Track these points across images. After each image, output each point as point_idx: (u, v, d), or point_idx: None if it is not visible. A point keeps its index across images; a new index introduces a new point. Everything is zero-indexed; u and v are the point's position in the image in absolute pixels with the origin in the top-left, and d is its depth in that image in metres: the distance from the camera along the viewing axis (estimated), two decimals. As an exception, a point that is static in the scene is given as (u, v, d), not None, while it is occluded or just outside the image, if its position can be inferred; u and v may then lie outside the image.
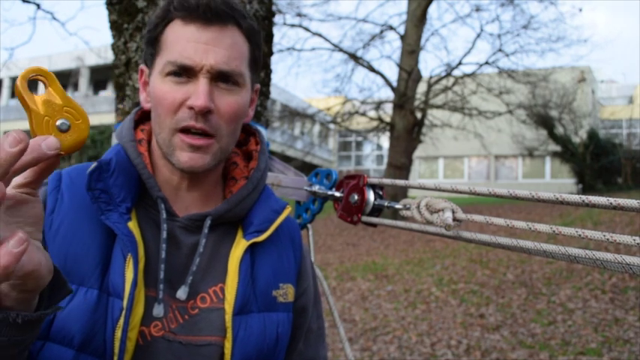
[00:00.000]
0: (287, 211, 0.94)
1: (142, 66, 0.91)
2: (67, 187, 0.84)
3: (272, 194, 0.96)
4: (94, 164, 0.84)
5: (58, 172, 0.88)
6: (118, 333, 0.75)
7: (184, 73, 0.81)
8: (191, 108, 0.80)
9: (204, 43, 0.81)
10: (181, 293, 0.81)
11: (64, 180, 0.86)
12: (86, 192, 0.81)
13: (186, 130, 0.81)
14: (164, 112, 0.82)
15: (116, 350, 0.75)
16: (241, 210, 0.90)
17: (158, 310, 0.79)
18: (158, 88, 0.83)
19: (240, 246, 0.87)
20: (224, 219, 0.89)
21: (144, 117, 0.94)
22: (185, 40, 0.81)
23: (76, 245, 0.80)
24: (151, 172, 0.87)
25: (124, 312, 0.76)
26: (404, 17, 13.67)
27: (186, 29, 0.82)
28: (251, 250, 0.88)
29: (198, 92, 0.80)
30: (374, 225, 1.34)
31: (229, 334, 0.81)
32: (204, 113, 0.80)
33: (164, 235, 0.82)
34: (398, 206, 1.23)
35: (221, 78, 0.82)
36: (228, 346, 0.81)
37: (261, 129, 1.71)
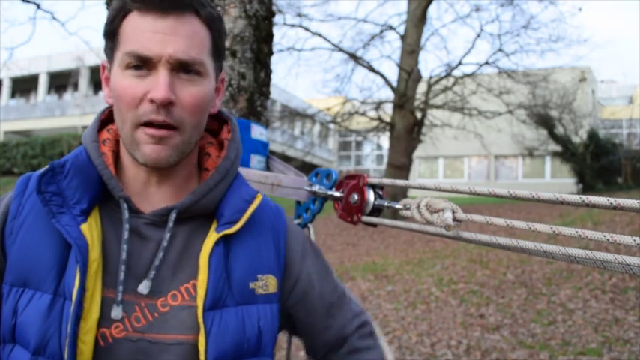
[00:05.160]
0: (258, 199, 0.91)
1: (104, 61, 0.88)
2: (31, 191, 0.84)
3: (244, 183, 0.94)
4: (46, 167, 0.82)
5: (28, 175, 0.87)
6: (67, 339, 0.75)
7: (144, 65, 0.79)
8: (152, 101, 0.78)
9: (161, 32, 0.79)
10: (142, 287, 0.79)
11: (31, 184, 0.85)
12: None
13: (148, 124, 0.79)
14: (125, 107, 0.80)
15: (66, 356, 0.74)
16: (210, 202, 0.87)
17: (116, 312, 0.78)
18: (119, 83, 0.81)
19: (210, 239, 0.85)
20: (193, 212, 0.86)
21: (111, 116, 0.91)
22: (142, 31, 0.79)
23: (32, 250, 0.80)
24: (113, 172, 0.85)
25: (70, 317, 0.75)
26: (404, 17, 13.66)
27: (143, 20, 0.80)
28: (224, 242, 0.86)
29: (158, 84, 0.78)
30: (374, 225, 1.34)
31: (202, 330, 0.80)
32: (166, 105, 0.78)
33: (125, 235, 0.81)
34: (398, 206, 1.23)
35: (181, 68, 0.80)
36: (202, 341, 0.79)
37: (259, 126, 1.71)
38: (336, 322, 1.01)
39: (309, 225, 1.48)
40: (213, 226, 0.87)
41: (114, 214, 0.84)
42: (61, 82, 24.78)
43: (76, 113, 22.89)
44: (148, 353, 0.79)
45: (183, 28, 0.80)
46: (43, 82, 24.84)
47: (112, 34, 0.84)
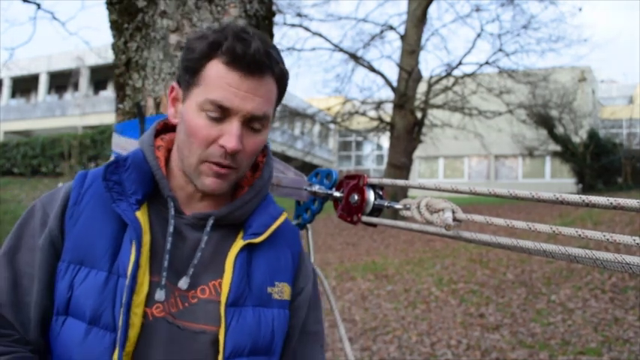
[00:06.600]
0: (283, 217, 1.05)
1: (174, 83, 0.99)
2: (90, 183, 0.97)
3: (272, 202, 1.07)
4: (111, 159, 0.97)
5: (85, 171, 1.00)
6: (122, 308, 0.85)
7: (220, 112, 0.90)
8: (222, 147, 0.90)
9: (244, 91, 0.89)
10: (182, 283, 0.91)
11: (89, 177, 0.98)
12: (101, 182, 0.94)
13: (214, 163, 0.92)
14: (197, 144, 0.92)
15: (120, 324, 0.84)
16: (242, 214, 1.00)
17: (160, 294, 0.88)
18: (194, 121, 0.91)
19: (237, 245, 0.96)
20: (227, 220, 0.98)
21: (165, 128, 1.05)
22: (228, 85, 0.89)
23: (91, 233, 0.91)
24: (164, 174, 0.97)
25: (125, 289, 0.86)
26: (404, 17, 13.66)
27: (230, 75, 0.89)
28: (249, 250, 0.97)
29: (231, 134, 0.90)
30: (374, 225, 1.34)
31: (222, 323, 0.90)
32: (233, 154, 0.91)
33: (170, 229, 0.92)
34: (398, 206, 1.23)
35: (251, 121, 0.92)
36: (221, 332, 0.90)
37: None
38: (302, 353, 1.05)
39: (309, 225, 1.48)
40: (240, 234, 0.99)
41: (159, 212, 0.96)
42: (61, 82, 24.78)
43: (76, 113, 22.90)
44: (177, 338, 0.89)
45: (262, 89, 0.91)
46: (43, 82, 24.85)
47: (193, 70, 0.93)
